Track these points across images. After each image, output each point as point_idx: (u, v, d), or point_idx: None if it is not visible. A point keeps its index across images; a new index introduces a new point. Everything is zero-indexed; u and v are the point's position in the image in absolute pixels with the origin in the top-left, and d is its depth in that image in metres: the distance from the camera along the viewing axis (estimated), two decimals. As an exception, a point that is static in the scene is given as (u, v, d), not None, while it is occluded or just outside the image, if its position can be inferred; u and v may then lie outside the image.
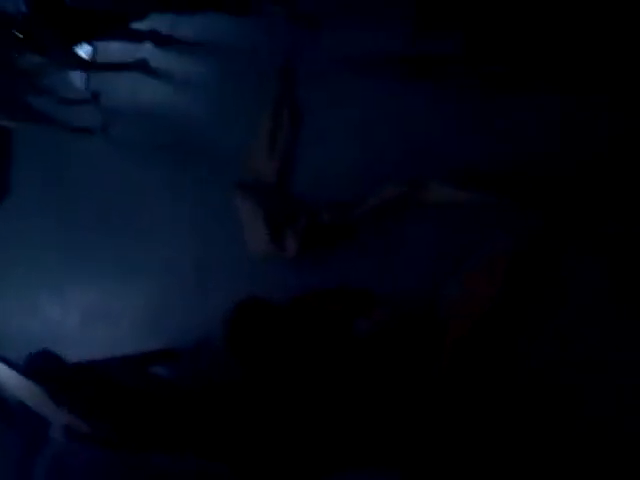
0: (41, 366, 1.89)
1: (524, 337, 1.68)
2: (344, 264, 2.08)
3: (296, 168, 2.26)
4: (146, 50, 2.78)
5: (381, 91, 2.06)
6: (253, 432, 1.70)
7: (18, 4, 2.44)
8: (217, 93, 2.52)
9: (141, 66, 2.79)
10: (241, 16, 2.43)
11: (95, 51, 2.97)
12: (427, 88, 1.95)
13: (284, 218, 2.18)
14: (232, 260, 2.33)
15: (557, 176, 1.68)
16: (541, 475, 1.59)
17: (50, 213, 3.22)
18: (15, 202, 3.51)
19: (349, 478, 1.40)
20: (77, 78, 3.09)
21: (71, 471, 1.28)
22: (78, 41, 2.79)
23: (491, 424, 1.65)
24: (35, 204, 3.33)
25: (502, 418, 1.65)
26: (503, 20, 1.78)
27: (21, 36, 2.51)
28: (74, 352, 2.10)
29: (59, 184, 3.17)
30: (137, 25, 2.73)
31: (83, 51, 2.94)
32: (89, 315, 2.89)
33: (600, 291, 1.59)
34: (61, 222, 3.13)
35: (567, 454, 1.58)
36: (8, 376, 1.72)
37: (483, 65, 1.79)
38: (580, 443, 1.57)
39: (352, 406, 1.63)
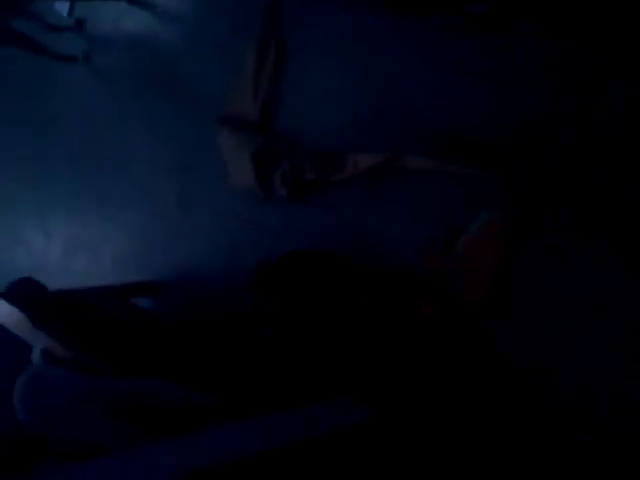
0: (23, 292, 1.90)
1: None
2: (325, 206, 2.08)
3: (280, 108, 2.21)
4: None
5: (367, 27, 2.00)
6: (237, 364, 1.74)
7: None
8: (202, 28, 2.45)
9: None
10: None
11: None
12: (413, 25, 1.89)
13: (268, 158, 2.16)
14: (214, 194, 2.32)
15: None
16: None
17: (29, 144, 3.18)
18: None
19: (321, 409, 1.44)
20: (62, 6, 3.03)
21: (48, 392, 1.30)
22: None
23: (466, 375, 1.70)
24: (14, 135, 3.29)
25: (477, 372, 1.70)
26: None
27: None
28: (56, 282, 2.12)
29: (39, 114, 3.12)
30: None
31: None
32: (72, 247, 2.89)
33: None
34: (42, 155, 3.10)
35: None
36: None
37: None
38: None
39: (334, 341, 1.67)
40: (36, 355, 1.60)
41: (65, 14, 3.01)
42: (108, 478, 0.97)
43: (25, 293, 1.90)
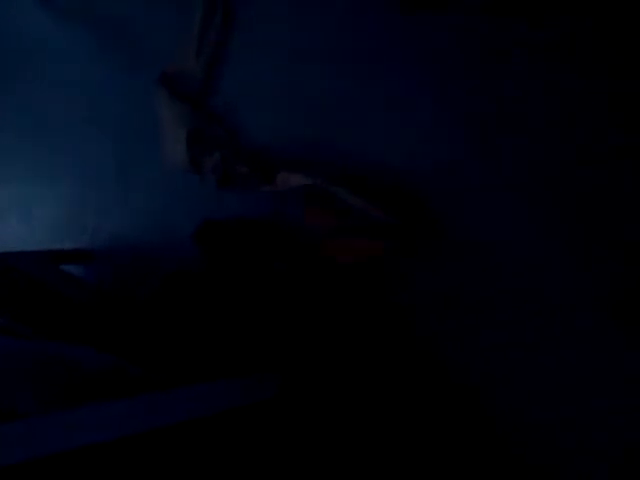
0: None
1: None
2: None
3: (222, 82, 2.20)
4: None
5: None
6: (165, 334, 1.79)
7: None
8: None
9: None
10: None
11: None
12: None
13: (201, 142, 2.16)
14: (152, 163, 2.30)
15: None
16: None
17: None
18: None
19: (234, 382, 1.50)
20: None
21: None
22: None
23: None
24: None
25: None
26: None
27: None
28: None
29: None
30: None
31: None
32: (3, 210, 2.84)
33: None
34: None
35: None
36: None
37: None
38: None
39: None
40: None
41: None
42: (22, 441, 1.00)
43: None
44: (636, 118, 1.43)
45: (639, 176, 1.42)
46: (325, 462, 1.62)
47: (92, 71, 2.53)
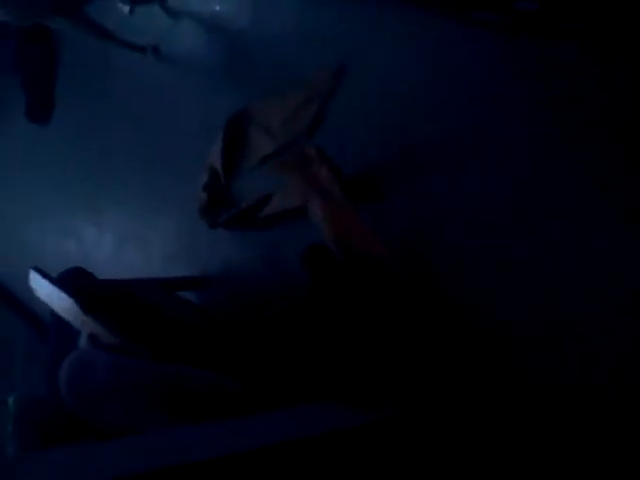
0: (73, 280, 1.97)
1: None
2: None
3: None
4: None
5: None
6: (270, 357, 1.76)
7: None
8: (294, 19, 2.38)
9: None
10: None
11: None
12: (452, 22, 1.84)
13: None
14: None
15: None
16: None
17: (93, 138, 3.28)
18: (58, 125, 3.61)
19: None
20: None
21: (91, 371, 1.34)
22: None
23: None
24: (78, 128, 3.41)
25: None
26: None
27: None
28: (106, 273, 2.19)
29: (105, 105, 3.22)
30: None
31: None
32: (122, 240, 2.97)
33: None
34: (103, 148, 3.20)
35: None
36: (42, 286, 1.80)
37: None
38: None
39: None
40: (83, 340, 1.66)
41: (127, 12, 3.09)
42: (130, 458, 0.99)
43: (76, 281, 1.97)
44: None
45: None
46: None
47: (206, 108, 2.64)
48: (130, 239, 2.93)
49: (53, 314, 1.86)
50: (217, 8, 2.67)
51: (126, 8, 3.07)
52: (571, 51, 1.59)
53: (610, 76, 1.53)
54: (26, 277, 1.86)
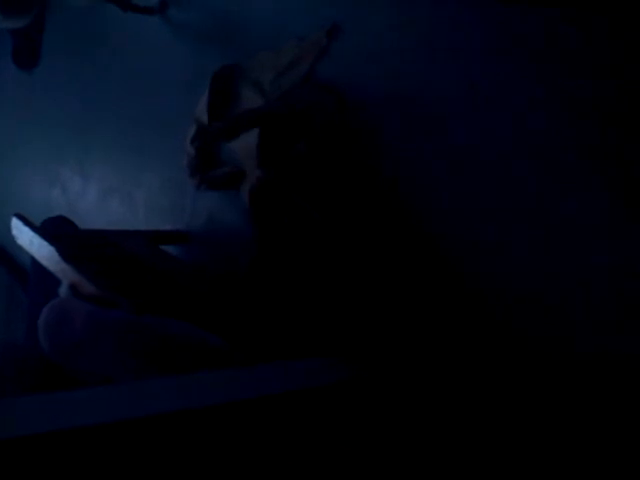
0: (55, 229, 1.96)
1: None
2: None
3: None
4: None
5: None
6: (254, 312, 1.78)
7: None
8: None
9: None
10: None
11: None
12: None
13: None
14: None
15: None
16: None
17: (82, 89, 3.22)
18: (45, 75, 3.53)
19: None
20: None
21: (69, 320, 1.34)
22: None
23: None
24: (67, 78, 3.34)
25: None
26: None
27: None
28: (89, 223, 2.18)
29: (96, 57, 3.15)
30: None
31: None
32: (107, 192, 2.94)
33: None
34: (91, 101, 3.15)
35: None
36: (23, 232, 1.79)
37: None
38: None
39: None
40: (63, 289, 1.65)
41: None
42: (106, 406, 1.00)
43: (58, 229, 1.96)
44: None
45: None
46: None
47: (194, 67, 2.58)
48: (115, 191, 2.90)
49: (34, 262, 1.85)
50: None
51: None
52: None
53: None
54: (9, 224, 1.85)
